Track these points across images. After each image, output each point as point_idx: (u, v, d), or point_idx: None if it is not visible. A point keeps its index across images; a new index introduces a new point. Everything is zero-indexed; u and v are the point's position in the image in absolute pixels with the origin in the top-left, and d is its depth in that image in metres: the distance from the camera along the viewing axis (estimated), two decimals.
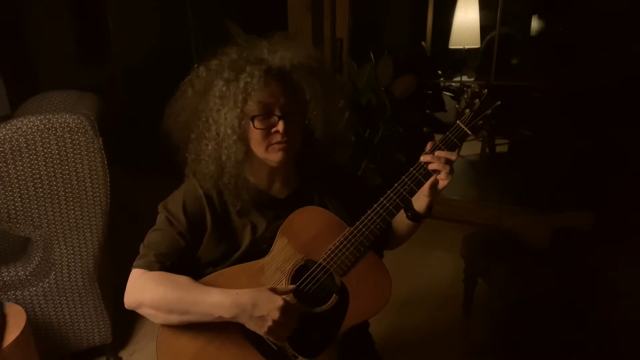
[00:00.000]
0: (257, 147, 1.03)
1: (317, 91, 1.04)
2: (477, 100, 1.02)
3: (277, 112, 1.00)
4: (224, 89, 1.01)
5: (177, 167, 1.13)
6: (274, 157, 1.02)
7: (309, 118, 1.05)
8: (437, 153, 1.00)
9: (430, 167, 1.00)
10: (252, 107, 1.00)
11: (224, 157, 1.03)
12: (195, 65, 1.07)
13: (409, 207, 1.07)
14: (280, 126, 1.00)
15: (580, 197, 2.78)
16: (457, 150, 1.02)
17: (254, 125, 1.01)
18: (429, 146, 1.02)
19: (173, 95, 1.09)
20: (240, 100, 0.99)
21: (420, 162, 1.01)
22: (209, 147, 1.03)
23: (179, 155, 1.11)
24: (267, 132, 1.01)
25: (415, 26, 3.78)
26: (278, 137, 1.00)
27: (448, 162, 1.00)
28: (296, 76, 1.03)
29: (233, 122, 1.00)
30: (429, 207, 1.06)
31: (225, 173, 1.04)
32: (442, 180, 1.01)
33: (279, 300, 0.97)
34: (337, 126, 1.12)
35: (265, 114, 1.00)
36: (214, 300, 0.98)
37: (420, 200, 1.06)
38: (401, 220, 1.11)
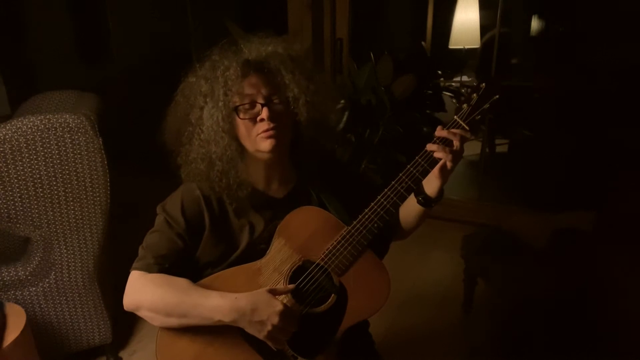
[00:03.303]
0: (246, 140, 1.04)
1: (297, 75, 1.04)
2: (474, 95, 1.01)
3: (260, 100, 1.01)
4: (206, 86, 1.02)
5: (176, 168, 1.13)
6: (263, 146, 1.02)
7: (291, 102, 1.04)
8: (429, 147, 0.99)
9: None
10: (234, 99, 1.01)
11: (213, 155, 1.03)
12: (183, 74, 1.09)
13: (420, 192, 1.05)
14: (264, 113, 1.00)
15: (580, 197, 2.77)
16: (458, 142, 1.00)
17: (238, 117, 1.02)
18: (429, 146, 1.01)
19: (170, 100, 1.11)
20: (222, 94, 1.00)
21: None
22: (196, 144, 1.05)
23: (174, 161, 1.11)
24: (253, 122, 1.02)
25: (415, 26, 3.78)
26: (264, 125, 1.01)
27: (449, 143, 0.98)
28: (273, 63, 1.03)
29: (217, 117, 1.01)
30: (440, 190, 1.04)
31: (214, 171, 1.04)
32: (449, 162, 0.98)
33: (278, 305, 0.97)
34: (324, 111, 1.11)
35: (248, 103, 1.01)
36: (213, 304, 0.98)
37: (431, 184, 1.03)
38: (410, 207, 1.10)
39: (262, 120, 1.01)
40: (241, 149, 1.06)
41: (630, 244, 1.78)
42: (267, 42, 1.06)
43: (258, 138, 1.02)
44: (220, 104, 1.01)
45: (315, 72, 1.09)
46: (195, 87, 1.05)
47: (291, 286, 1.04)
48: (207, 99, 1.02)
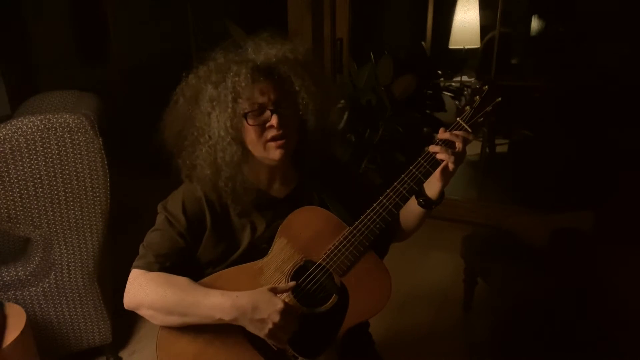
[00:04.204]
0: (254, 146, 1.03)
1: (306, 81, 1.03)
2: (477, 97, 1.01)
3: (270, 107, 1.00)
4: (213, 92, 1.01)
5: (177, 169, 1.13)
6: (273, 155, 1.02)
7: (301, 109, 1.04)
8: (431, 148, 0.99)
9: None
10: (243, 105, 1.00)
11: (219, 160, 1.02)
12: (184, 74, 1.07)
13: (420, 194, 1.05)
14: (274, 120, 0.99)
15: (580, 197, 2.77)
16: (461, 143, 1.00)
17: (247, 123, 1.01)
18: (432, 148, 1.01)
19: (167, 105, 1.09)
20: (230, 100, 0.99)
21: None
22: (203, 151, 1.03)
23: (174, 162, 1.11)
24: (262, 129, 1.01)
25: (415, 26, 3.77)
26: (273, 132, 1.00)
27: (452, 145, 0.98)
28: (283, 69, 1.03)
29: (225, 124, 1.00)
30: (441, 192, 1.04)
31: (221, 176, 1.04)
32: (451, 164, 0.98)
33: (279, 304, 0.97)
34: (329, 116, 1.11)
35: (258, 110, 1.00)
36: (213, 302, 0.98)
37: (432, 186, 1.03)
38: (411, 209, 1.09)
39: (271, 126, 1.00)
40: (246, 153, 1.05)
41: (630, 244, 1.78)
42: (276, 45, 1.05)
43: (268, 146, 1.02)
44: (229, 110, 0.99)
45: (324, 78, 1.09)
46: (200, 90, 1.03)
47: (292, 283, 1.04)
48: (215, 104, 1.01)
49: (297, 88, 1.03)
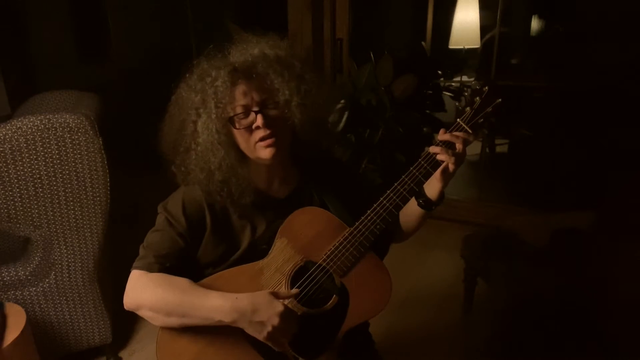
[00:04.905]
0: (246, 148, 1.03)
1: (286, 76, 1.02)
2: (477, 98, 1.00)
3: (254, 108, 0.99)
4: (197, 99, 1.01)
5: (173, 175, 1.12)
6: (263, 154, 1.01)
7: (284, 105, 1.02)
8: (432, 149, 0.99)
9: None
10: (227, 109, 0.99)
11: (211, 166, 1.02)
12: (173, 85, 1.07)
13: (421, 194, 1.05)
14: (259, 120, 0.98)
15: (580, 197, 2.78)
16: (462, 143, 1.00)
17: (234, 127, 1.01)
18: (432, 149, 1.00)
19: (166, 105, 1.09)
20: (213, 106, 0.98)
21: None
22: (194, 157, 1.03)
23: (169, 170, 1.10)
24: (249, 131, 1.00)
25: (415, 26, 3.78)
26: (260, 132, 0.99)
27: (452, 146, 0.98)
28: (261, 67, 1.01)
29: (212, 130, 0.99)
30: (441, 193, 1.03)
31: (214, 180, 1.03)
32: (452, 165, 0.98)
33: (279, 306, 0.97)
34: (316, 108, 1.08)
35: (242, 112, 1.00)
36: (213, 304, 0.98)
37: (432, 186, 1.03)
38: (411, 209, 1.09)
39: (258, 127, 0.99)
40: (240, 156, 1.05)
41: (630, 244, 1.78)
42: (253, 44, 1.04)
43: (257, 146, 1.01)
44: (213, 116, 0.99)
45: (305, 71, 1.06)
46: (187, 99, 1.03)
47: (294, 291, 1.04)
48: (200, 112, 1.00)
49: (276, 86, 1.01)
